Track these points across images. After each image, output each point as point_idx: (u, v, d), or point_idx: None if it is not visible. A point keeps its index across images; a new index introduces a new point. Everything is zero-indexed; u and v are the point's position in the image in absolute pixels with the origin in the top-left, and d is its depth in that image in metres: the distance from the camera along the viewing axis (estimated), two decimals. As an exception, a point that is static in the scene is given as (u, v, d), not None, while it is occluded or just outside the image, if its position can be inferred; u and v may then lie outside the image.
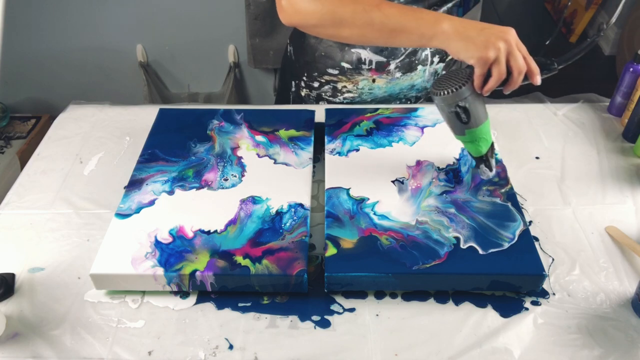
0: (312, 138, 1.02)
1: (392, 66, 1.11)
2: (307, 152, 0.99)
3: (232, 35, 2.15)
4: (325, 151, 0.99)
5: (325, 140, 1.01)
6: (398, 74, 1.12)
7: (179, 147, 1.00)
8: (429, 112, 1.07)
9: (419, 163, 0.96)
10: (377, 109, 1.08)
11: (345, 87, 1.14)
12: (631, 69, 1.09)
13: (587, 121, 1.15)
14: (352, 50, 1.09)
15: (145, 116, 1.15)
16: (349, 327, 0.77)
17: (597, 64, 2.87)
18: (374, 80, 1.13)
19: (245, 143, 1.01)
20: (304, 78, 1.17)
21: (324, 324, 0.78)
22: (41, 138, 1.13)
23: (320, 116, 1.09)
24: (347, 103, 1.17)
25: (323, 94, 1.17)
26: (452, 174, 0.94)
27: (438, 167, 0.95)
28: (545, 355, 0.74)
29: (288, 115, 1.08)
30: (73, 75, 2.24)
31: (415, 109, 1.08)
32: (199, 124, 1.06)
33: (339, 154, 0.98)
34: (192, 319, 0.79)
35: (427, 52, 1.12)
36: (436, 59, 1.14)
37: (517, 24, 0.92)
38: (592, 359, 0.73)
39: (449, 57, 1.16)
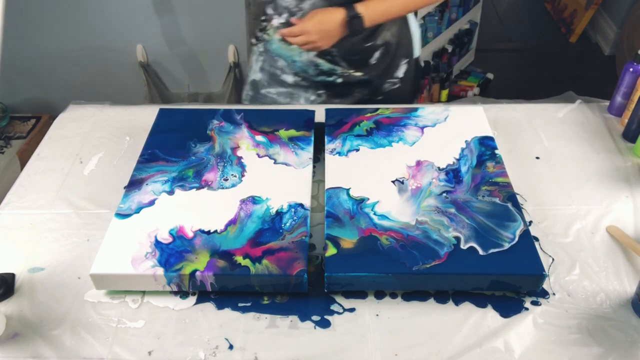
0: (312, 138, 1.02)
1: (274, 22, 1.16)
2: (307, 152, 0.99)
3: (232, 35, 2.15)
4: (325, 151, 0.99)
5: (325, 140, 1.01)
6: (279, 37, 1.17)
7: (179, 147, 1.00)
8: (429, 112, 1.07)
9: (419, 163, 0.96)
10: (377, 109, 1.08)
11: (267, 26, 1.19)
12: (631, 69, 1.09)
13: (587, 121, 1.15)
14: None
15: (145, 116, 1.15)
16: (349, 327, 0.77)
17: (597, 64, 2.87)
18: (274, 31, 1.18)
19: (245, 143, 1.01)
20: (257, 9, 1.25)
21: (324, 324, 0.78)
22: (41, 138, 1.13)
23: (320, 116, 1.09)
24: (262, 40, 1.22)
25: (259, 25, 1.22)
26: (452, 174, 0.94)
27: (438, 167, 0.95)
28: (545, 355, 0.74)
29: (288, 115, 1.08)
30: (73, 75, 2.24)
31: (416, 109, 1.08)
32: (199, 124, 1.06)
33: (339, 154, 0.98)
34: (192, 319, 0.79)
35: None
36: None
37: (517, 24, 0.93)
38: (592, 359, 0.73)
39: (339, 65, 1.20)
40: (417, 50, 1.26)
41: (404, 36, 1.21)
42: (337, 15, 1.03)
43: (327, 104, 1.20)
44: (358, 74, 1.19)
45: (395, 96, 1.24)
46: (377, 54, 1.17)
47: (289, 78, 1.22)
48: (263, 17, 1.23)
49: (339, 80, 1.20)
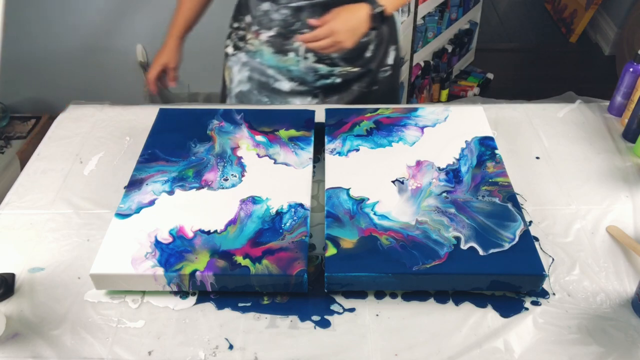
0: (312, 138, 1.02)
1: (262, 36, 1.15)
2: (307, 152, 0.99)
3: (232, 35, 2.15)
4: (325, 151, 0.99)
5: (325, 140, 1.01)
6: (270, 49, 1.16)
7: (179, 147, 1.00)
8: (429, 112, 1.07)
9: (419, 163, 0.96)
10: (377, 109, 1.08)
11: (250, 38, 1.19)
12: (631, 69, 1.09)
13: (587, 121, 1.15)
14: (258, 7, 1.13)
15: (145, 116, 1.15)
16: (349, 327, 0.77)
17: (597, 64, 2.87)
18: (261, 43, 1.17)
19: (245, 143, 1.01)
20: (236, 15, 1.23)
21: (324, 324, 0.78)
22: (41, 138, 1.13)
23: (320, 116, 1.09)
24: (246, 50, 1.21)
25: (235, 35, 1.23)
26: (452, 174, 0.94)
27: (438, 167, 0.95)
28: (545, 355, 0.74)
29: (288, 115, 1.08)
30: (73, 75, 2.24)
31: (416, 109, 1.08)
32: (199, 124, 1.06)
33: (339, 154, 0.98)
34: (192, 319, 0.79)
35: (300, 44, 1.13)
36: (311, 56, 1.15)
37: (517, 24, 0.93)
38: (592, 359, 0.73)
39: (338, 65, 1.18)
40: (400, 35, 1.26)
41: (391, 22, 1.21)
42: (362, 11, 1.01)
43: (324, 104, 1.19)
44: (355, 69, 1.19)
45: (388, 84, 1.25)
46: (371, 46, 1.18)
47: (285, 85, 1.21)
48: (238, 25, 1.22)
49: (338, 80, 1.19)
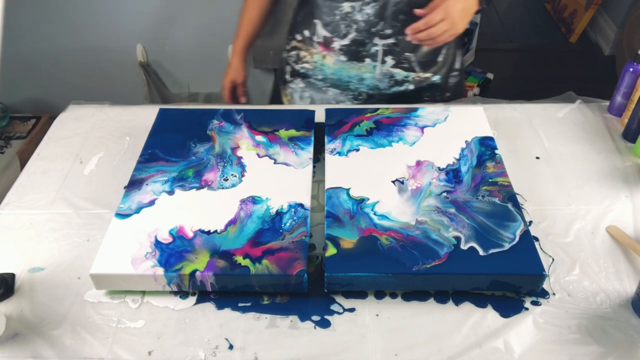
0: (312, 138, 1.02)
1: (335, 44, 1.12)
2: (307, 152, 0.99)
3: (232, 35, 2.15)
4: (325, 151, 0.99)
5: (325, 140, 1.01)
6: (343, 57, 1.13)
7: (179, 147, 1.00)
8: (429, 112, 1.07)
9: (419, 163, 0.96)
10: (377, 109, 1.08)
11: (305, 56, 1.18)
12: (631, 69, 1.09)
13: (587, 121, 1.15)
14: (314, 20, 1.12)
15: (145, 116, 1.15)
16: (349, 327, 0.77)
17: (597, 64, 2.87)
18: (324, 57, 1.15)
19: (245, 143, 1.01)
20: (289, 36, 1.22)
21: (324, 324, 0.78)
22: (41, 138, 1.13)
23: (320, 116, 1.09)
24: (303, 74, 1.20)
25: (289, 58, 1.21)
26: (452, 174, 0.94)
27: (438, 167, 0.95)
28: (545, 355, 0.74)
29: (288, 115, 1.08)
30: (73, 75, 2.24)
31: (415, 109, 1.08)
32: (199, 124, 1.06)
33: (339, 154, 0.98)
34: (192, 319, 0.79)
35: (379, 48, 1.10)
36: (389, 60, 1.12)
37: (517, 24, 0.94)
38: (592, 359, 0.73)
39: (414, 71, 1.14)
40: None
41: None
42: None
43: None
44: (428, 75, 1.15)
45: (456, 91, 1.20)
46: (444, 50, 1.14)
47: (347, 104, 1.19)
48: (291, 46, 1.19)
49: (411, 87, 1.15)
